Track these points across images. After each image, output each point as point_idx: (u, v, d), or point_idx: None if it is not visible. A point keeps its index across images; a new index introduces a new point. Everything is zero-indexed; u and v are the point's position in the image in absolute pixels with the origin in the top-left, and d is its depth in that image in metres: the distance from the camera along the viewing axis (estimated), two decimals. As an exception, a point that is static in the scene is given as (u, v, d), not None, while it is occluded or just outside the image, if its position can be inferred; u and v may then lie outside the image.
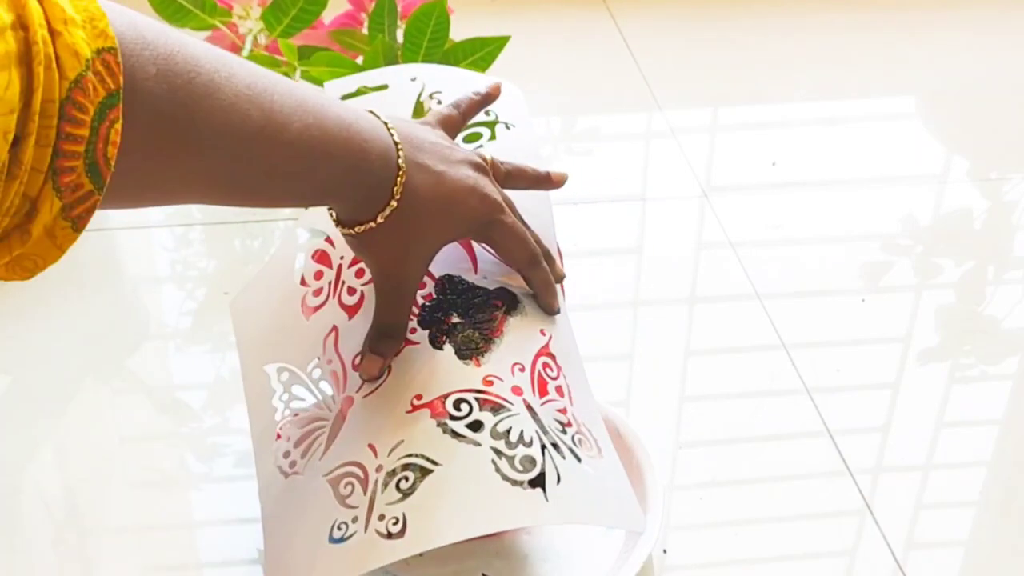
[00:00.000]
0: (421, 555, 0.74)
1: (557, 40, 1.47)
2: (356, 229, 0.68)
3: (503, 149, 0.80)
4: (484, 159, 0.76)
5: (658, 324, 1.02)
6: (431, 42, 1.14)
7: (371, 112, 0.68)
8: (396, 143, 0.67)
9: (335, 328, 0.75)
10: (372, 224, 0.67)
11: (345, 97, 0.85)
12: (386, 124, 0.67)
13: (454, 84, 0.85)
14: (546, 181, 0.79)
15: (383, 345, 0.71)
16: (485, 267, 0.75)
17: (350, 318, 0.75)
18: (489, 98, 0.81)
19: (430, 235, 0.70)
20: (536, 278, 0.75)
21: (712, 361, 0.98)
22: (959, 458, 0.90)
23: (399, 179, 0.66)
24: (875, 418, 0.93)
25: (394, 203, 0.66)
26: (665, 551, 0.79)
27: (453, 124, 0.76)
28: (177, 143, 0.55)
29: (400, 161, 0.67)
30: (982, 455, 0.90)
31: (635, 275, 1.08)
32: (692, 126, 1.32)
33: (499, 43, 1.15)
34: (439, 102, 0.83)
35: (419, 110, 0.84)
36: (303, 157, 0.61)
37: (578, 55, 1.45)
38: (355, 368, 0.73)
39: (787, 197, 1.19)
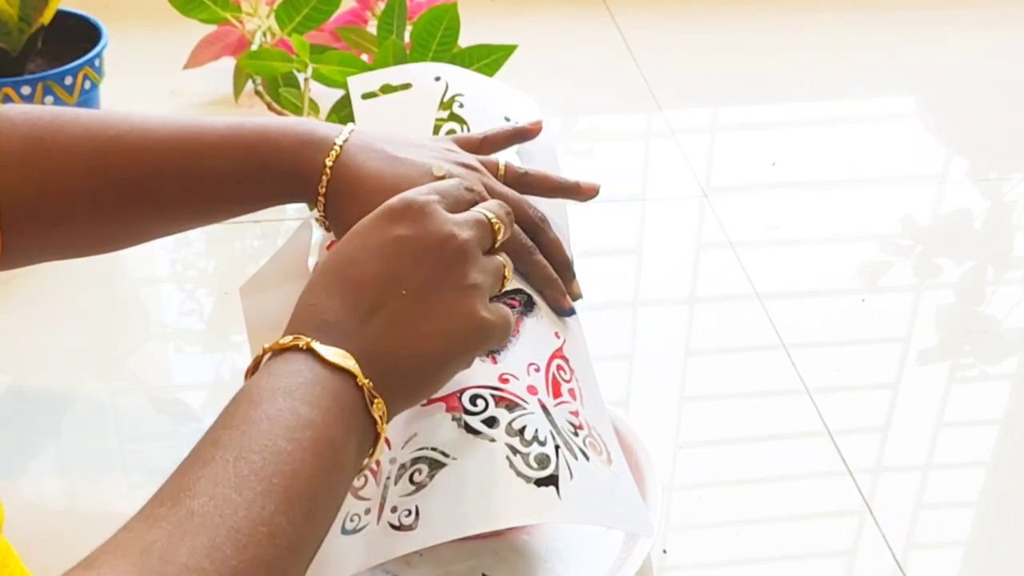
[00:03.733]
0: (421, 554, 0.74)
1: (557, 40, 1.47)
2: (319, 211, 0.73)
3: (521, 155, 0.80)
4: (485, 161, 0.76)
5: (658, 324, 1.02)
6: (440, 46, 1.14)
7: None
8: (343, 134, 0.73)
9: None
10: (321, 198, 0.72)
11: (367, 96, 0.85)
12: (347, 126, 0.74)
13: (476, 89, 0.84)
14: (574, 191, 0.79)
15: None
16: None
17: None
18: (525, 134, 0.81)
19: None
20: (532, 273, 0.75)
21: (712, 361, 0.98)
22: (959, 458, 0.90)
23: (332, 153, 0.71)
24: (875, 418, 0.93)
25: (328, 172, 0.71)
26: (665, 551, 0.79)
27: (470, 144, 0.78)
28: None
29: (339, 141, 0.72)
30: (982, 455, 0.90)
31: (635, 275, 1.08)
32: (692, 126, 1.31)
33: (506, 51, 1.15)
34: (461, 105, 0.84)
35: (447, 108, 0.84)
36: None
37: (578, 55, 1.45)
38: None
39: (787, 197, 1.19)
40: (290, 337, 0.58)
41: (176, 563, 0.48)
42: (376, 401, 0.58)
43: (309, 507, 0.53)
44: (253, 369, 0.60)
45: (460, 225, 0.63)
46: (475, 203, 0.67)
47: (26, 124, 0.73)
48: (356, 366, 0.57)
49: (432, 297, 0.60)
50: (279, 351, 0.58)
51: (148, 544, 0.49)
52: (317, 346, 0.57)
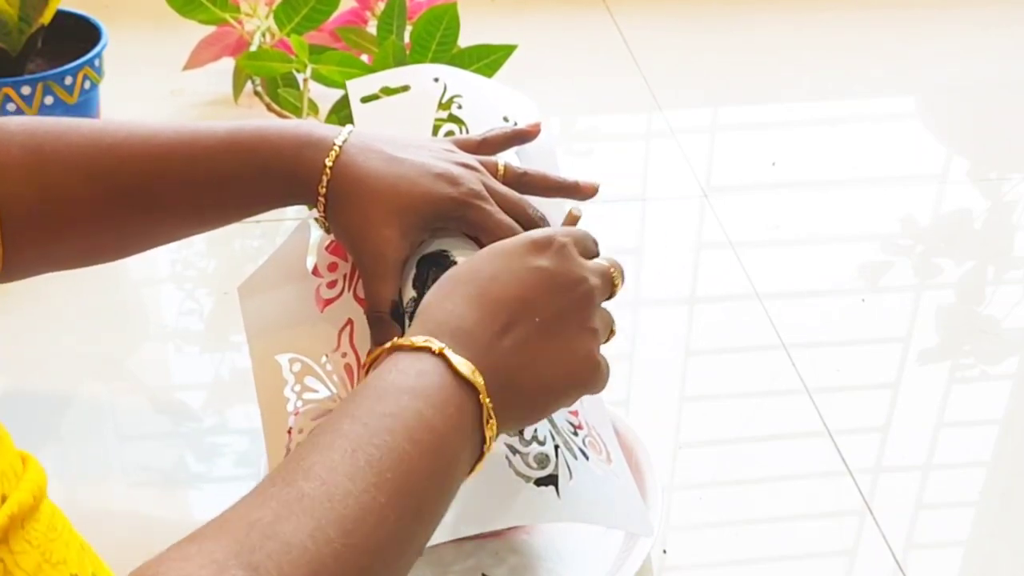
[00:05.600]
0: (421, 554, 0.74)
1: (557, 40, 1.47)
2: (320, 211, 0.73)
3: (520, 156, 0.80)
4: (485, 162, 0.76)
5: (658, 324, 1.02)
6: (439, 46, 1.14)
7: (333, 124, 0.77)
8: (342, 135, 0.73)
9: (350, 321, 0.75)
10: (321, 199, 0.72)
11: (366, 99, 0.85)
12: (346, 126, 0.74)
13: (474, 90, 0.84)
14: (573, 190, 0.79)
15: (377, 331, 0.71)
16: None
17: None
18: (524, 136, 0.81)
19: (388, 209, 0.71)
20: None
21: (712, 361, 0.98)
22: (959, 458, 0.90)
23: (332, 153, 0.71)
24: (875, 418, 0.93)
25: (327, 172, 0.71)
26: (665, 551, 0.79)
27: (468, 146, 0.78)
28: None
29: (338, 142, 0.72)
30: (982, 455, 0.90)
31: (635, 275, 1.08)
32: (692, 126, 1.31)
33: (506, 51, 1.15)
34: (459, 106, 0.84)
35: (446, 108, 0.84)
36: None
37: (578, 55, 1.45)
38: None
39: (787, 197, 1.19)
40: (423, 338, 0.59)
41: (278, 540, 0.48)
42: (491, 421, 0.59)
43: (419, 506, 0.54)
44: (374, 359, 0.60)
45: (591, 271, 0.65)
46: (596, 254, 0.69)
47: (24, 134, 0.73)
48: (483, 383, 0.58)
49: (559, 330, 0.62)
50: (410, 349, 0.59)
51: (253, 521, 0.49)
52: (450, 354, 0.58)
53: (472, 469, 0.59)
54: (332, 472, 0.52)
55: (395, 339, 0.60)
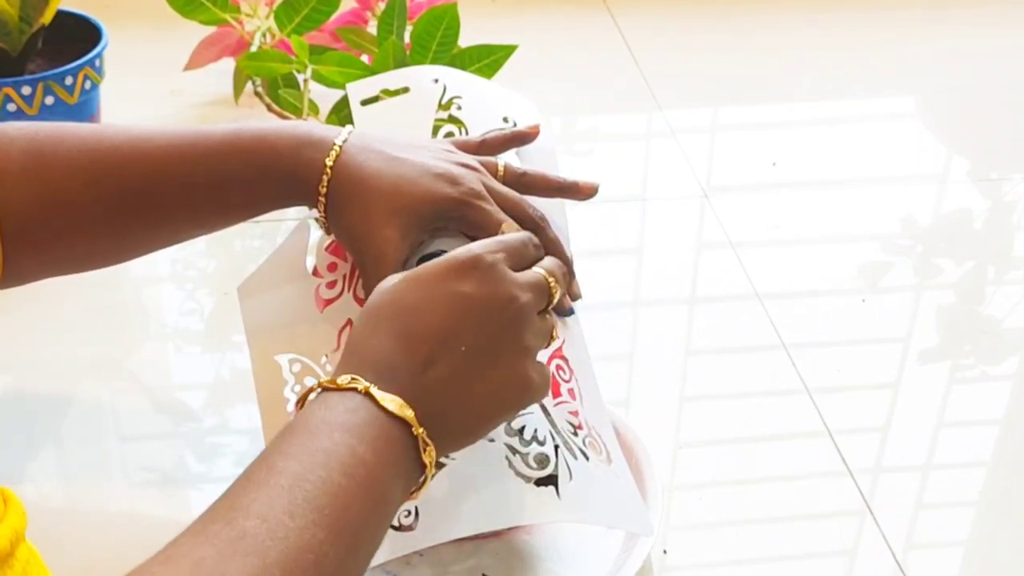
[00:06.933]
0: (421, 554, 0.74)
1: (557, 40, 1.47)
2: (320, 212, 0.73)
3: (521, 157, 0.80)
4: (484, 162, 0.76)
5: (658, 324, 1.02)
6: (440, 46, 1.14)
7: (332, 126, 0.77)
8: (342, 135, 0.73)
9: (350, 322, 0.75)
10: (321, 199, 0.72)
11: (366, 102, 0.85)
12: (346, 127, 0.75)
13: (474, 92, 0.84)
14: (573, 190, 0.79)
15: None
16: None
17: None
18: (523, 137, 0.81)
19: (388, 209, 0.71)
20: None
21: (712, 361, 0.98)
22: (959, 458, 0.90)
23: (332, 153, 0.72)
24: (875, 418, 0.93)
25: (328, 172, 0.72)
26: (665, 551, 0.79)
27: (468, 147, 0.78)
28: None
29: (338, 141, 0.72)
30: (982, 455, 0.90)
31: (635, 275, 1.08)
32: (692, 126, 1.31)
33: (506, 51, 1.15)
34: (459, 108, 0.84)
35: (446, 109, 0.84)
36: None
37: (578, 55, 1.45)
38: None
39: (787, 197, 1.19)
40: (348, 377, 0.59)
41: None
42: (428, 448, 0.59)
43: (354, 541, 0.54)
44: (304, 398, 0.60)
45: (522, 287, 0.63)
46: (538, 259, 0.68)
47: (24, 138, 0.73)
48: (413, 415, 0.58)
49: (488, 358, 0.61)
50: (336, 388, 0.59)
51: (198, 560, 0.49)
52: (376, 392, 0.58)
53: (416, 492, 0.60)
54: (271, 509, 0.52)
55: (321, 380, 0.60)
